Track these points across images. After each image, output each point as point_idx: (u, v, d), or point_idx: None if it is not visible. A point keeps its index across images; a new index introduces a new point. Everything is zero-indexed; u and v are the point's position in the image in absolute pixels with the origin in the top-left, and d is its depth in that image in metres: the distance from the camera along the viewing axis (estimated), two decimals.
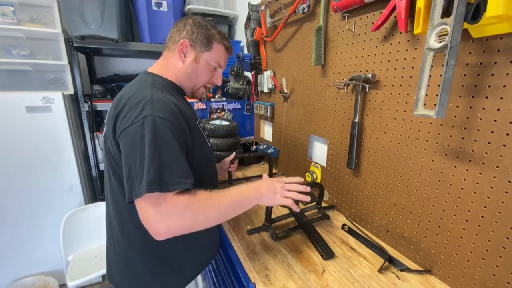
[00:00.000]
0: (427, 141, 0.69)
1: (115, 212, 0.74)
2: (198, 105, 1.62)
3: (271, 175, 1.43)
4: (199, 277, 0.88)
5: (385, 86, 0.79)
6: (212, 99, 1.70)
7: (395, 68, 0.75)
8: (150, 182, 0.56)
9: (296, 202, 0.73)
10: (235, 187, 0.69)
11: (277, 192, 0.71)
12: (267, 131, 1.65)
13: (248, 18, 1.48)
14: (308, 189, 0.75)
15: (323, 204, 1.07)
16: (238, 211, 0.67)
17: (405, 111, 0.74)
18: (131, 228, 0.71)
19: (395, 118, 0.77)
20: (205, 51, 0.77)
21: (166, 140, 0.60)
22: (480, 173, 0.58)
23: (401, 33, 0.72)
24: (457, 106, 0.61)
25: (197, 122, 0.77)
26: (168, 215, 0.57)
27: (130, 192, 0.58)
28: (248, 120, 1.79)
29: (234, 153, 1.25)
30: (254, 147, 1.72)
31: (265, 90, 1.50)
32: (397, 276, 0.70)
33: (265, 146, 1.58)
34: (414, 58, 0.70)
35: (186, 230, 0.60)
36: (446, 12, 0.51)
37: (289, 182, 0.75)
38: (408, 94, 0.73)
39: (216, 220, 0.64)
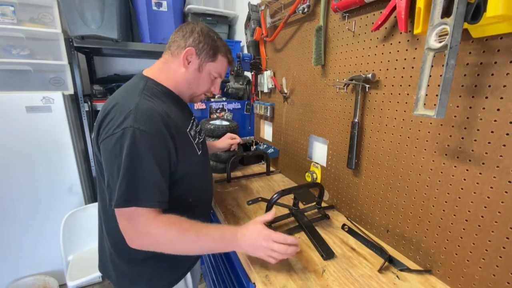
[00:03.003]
0: (427, 141, 0.69)
1: (102, 210, 0.76)
2: (198, 105, 1.62)
3: (269, 173, 1.44)
4: (188, 276, 0.87)
5: (385, 86, 0.79)
6: (212, 99, 1.70)
7: (395, 68, 0.75)
8: (119, 197, 0.57)
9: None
10: (216, 229, 0.66)
11: (260, 250, 0.65)
12: (267, 131, 1.65)
13: (248, 18, 1.48)
14: (298, 249, 0.69)
15: (323, 204, 1.07)
16: (210, 252, 0.71)
17: (405, 111, 0.74)
18: (115, 227, 0.70)
19: (395, 118, 0.77)
20: (210, 61, 0.77)
21: (143, 155, 0.59)
22: (480, 173, 0.58)
23: (401, 33, 0.72)
24: (457, 106, 0.61)
25: (188, 129, 0.76)
26: (140, 232, 0.60)
27: (110, 200, 0.60)
28: (248, 120, 1.79)
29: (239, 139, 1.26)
30: (254, 147, 1.72)
31: (265, 90, 1.50)
32: (397, 276, 0.70)
33: (265, 146, 1.58)
34: (414, 58, 0.70)
35: (157, 250, 0.62)
36: (446, 12, 0.51)
37: (278, 242, 0.65)
38: (408, 94, 0.73)
39: (186, 253, 0.64)
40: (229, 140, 1.21)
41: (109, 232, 0.75)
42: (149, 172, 0.60)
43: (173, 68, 0.76)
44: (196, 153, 0.78)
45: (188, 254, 0.65)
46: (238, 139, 1.23)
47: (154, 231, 0.60)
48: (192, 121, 0.83)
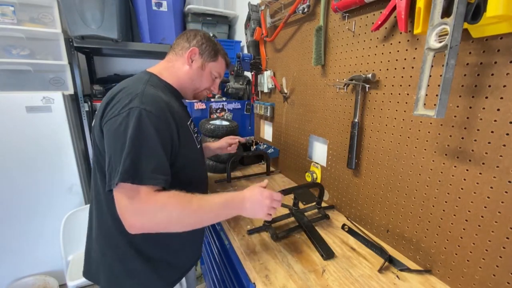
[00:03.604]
0: (427, 141, 0.69)
1: (95, 205, 0.75)
2: (198, 105, 1.62)
3: (269, 173, 1.44)
4: (184, 281, 0.86)
5: (385, 86, 0.79)
6: (212, 99, 1.70)
7: (395, 68, 0.75)
8: (124, 172, 0.56)
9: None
10: (218, 196, 0.68)
11: (262, 210, 0.70)
12: (267, 131, 1.65)
13: (248, 18, 1.48)
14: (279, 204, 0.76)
15: (323, 204, 1.07)
16: (214, 221, 0.70)
17: (405, 111, 0.74)
18: (109, 222, 0.71)
19: (395, 118, 0.77)
20: (211, 61, 0.85)
21: (148, 133, 0.60)
22: (480, 173, 0.58)
23: (401, 33, 0.72)
24: (457, 106, 0.61)
25: (189, 123, 0.79)
26: (142, 211, 0.57)
27: (109, 181, 0.58)
28: (248, 120, 1.79)
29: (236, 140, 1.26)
30: (254, 147, 1.72)
31: (265, 90, 1.50)
32: (397, 276, 0.70)
33: (265, 146, 1.58)
34: (414, 58, 0.70)
35: (159, 229, 0.60)
36: (446, 12, 0.51)
37: (277, 200, 0.73)
38: (408, 94, 0.73)
39: (191, 226, 0.63)
40: (227, 139, 1.21)
41: (101, 227, 0.73)
42: (153, 151, 0.61)
43: (177, 66, 0.81)
44: (196, 146, 0.81)
45: (194, 226, 0.64)
46: (238, 139, 1.23)
47: (155, 206, 0.58)
48: (191, 119, 0.86)
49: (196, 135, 0.83)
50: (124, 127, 0.59)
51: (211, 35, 1.94)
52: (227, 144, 1.20)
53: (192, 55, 0.81)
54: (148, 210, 0.58)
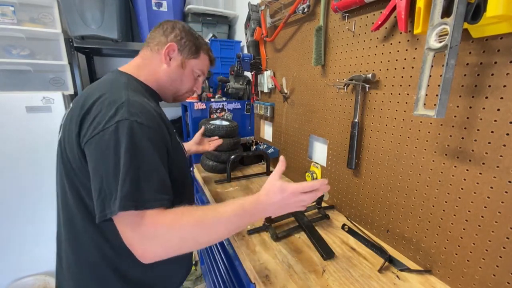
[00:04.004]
0: (427, 141, 0.69)
1: (67, 234, 0.64)
2: (198, 105, 1.62)
3: (269, 173, 1.44)
4: None
5: (385, 86, 0.79)
6: (212, 99, 1.70)
7: (395, 68, 0.75)
8: (124, 197, 0.48)
9: None
10: (232, 203, 0.57)
11: (290, 208, 0.58)
12: (267, 131, 1.65)
13: (248, 18, 1.48)
14: (326, 182, 0.60)
15: (323, 204, 1.07)
16: (233, 233, 0.59)
17: (405, 111, 0.74)
18: (94, 256, 0.62)
19: (395, 118, 0.77)
20: (192, 58, 0.76)
21: (144, 148, 0.52)
22: (480, 173, 0.58)
23: (401, 33, 0.72)
24: (457, 106, 0.61)
25: (174, 130, 0.71)
26: (152, 237, 0.50)
27: (102, 210, 0.49)
28: (248, 120, 1.79)
29: (203, 127, 1.26)
30: (254, 147, 1.72)
31: (265, 90, 1.50)
32: (397, 276, 0.70)
33: (265, 146, 1.58)
34: (414, 58, 0.70)
35: (175, 253, 0.52)
36: (446, 12, 0.51)
37: (307, 192, 0.57)
38: (408, 94, 0.73)
39: (208, 243, 0.56)
40: (203, 138, 1.22)
41: (83, 263, 0.63)
42: (154, 167, 0.53)
43: (154, 65, 0.73)
44: (184, 155, 0.74)
45: (211, 242, 0.56)
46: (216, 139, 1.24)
47: (166, 229, 0.50)
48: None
49: (181, 143, 0.77)
50: (114, 144, 0.51)
51: (211, 35, 1.94)
52: (201, 136, 1.20)
53: (170, 52, 0.72)
54: (159, 234, 0.50)
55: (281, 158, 0.63)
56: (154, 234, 0.50)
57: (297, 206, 0.58)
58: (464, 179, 0.61)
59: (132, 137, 0.51)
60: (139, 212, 0.49)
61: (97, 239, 0.59)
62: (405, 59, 0.72)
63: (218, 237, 0.56)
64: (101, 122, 0.52)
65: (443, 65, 0.51)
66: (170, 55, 0.73)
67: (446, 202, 0.66)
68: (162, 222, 0.50)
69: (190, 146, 1.18)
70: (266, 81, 1.47)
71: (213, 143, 1.22)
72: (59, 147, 0.63)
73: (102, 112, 0.54)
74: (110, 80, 0.65)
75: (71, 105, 0.65)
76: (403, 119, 0.75)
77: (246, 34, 1.59)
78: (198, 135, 1.22)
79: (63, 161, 0.61)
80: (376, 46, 0.80)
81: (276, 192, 0.56)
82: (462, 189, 0.62)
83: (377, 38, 0.80)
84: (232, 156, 1.30)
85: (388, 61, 0.77)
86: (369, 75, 0.81)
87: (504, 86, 0.53)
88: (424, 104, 0.57)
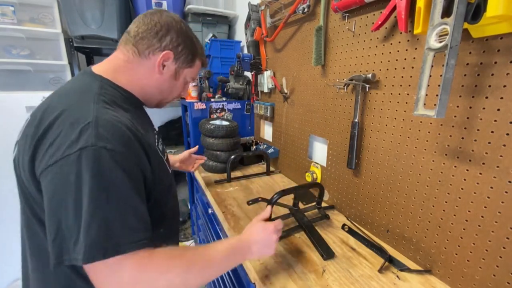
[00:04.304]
0: (427, 141, 0.69)
1: (36, 263, 0.55)
2: (198, 105, 1.62)
3: (269, 173, 1.44)
4: None
5: (385, 86, 0.79)
6: (212, 99, 1.70)
7: (395, 68, 0.75)
8: (91, 244, 0.41)
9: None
10: (220, 244, 0.57)
11: (272, 247, 0.63)
12: (267, 131, 1.65)
13: (248, 18, 1.48)
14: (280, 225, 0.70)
15: (323, 204, 1.07)
16: (221, 273, 0.57)
17: (405, 111, 0.74)
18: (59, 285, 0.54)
19: (395, 118, 0.77)
20: (187, 67, 0.67)
21: (114, 180, 0.44)
22: (480, 173, 0.58)
23: (401, 33, 0.72)
24: (457, 106, 0.61)
25: (156, 143, 0.62)
26: (135, 284, 0.43)
27: (59, 255, 0.42)
28: (248, 120, 1.79)
29: (197, 146, 1.20)
30: (254, 147, 1.72)
31: (265, 90, 1.50)
32: (397, 276, 0.70)
33: (265, 146, 1.58)
34: (414, 58, 0.70)
35: None
36: (446, 12, 0.51)
37: (279, 226, 0.67)
38: (408, 94, 0.73)
39: (196, 286, 0.50)
40: (191, 151, 1.15)
41: None
42: (127, 201, 0.45)
43: (141, 71, 0.62)
44: (167, 172, 0.66)
45: (199, 285, 0.51)
46: (204, 158, 1.22)
47: (151, 276, 0.44)
48: (156, 132, 0.68)
49: (165, 156, 0.67)
50: (76, 178, 0.42)
51: (211, 35, 1.94)
52: (189, 155, 1.13)
53: (165, 61, 0.62)
54: (142, 283, 0.44)
55: (268, 208, 0.70)
56: (140, 280, 0.44)
57: (276, 241, 0.64)
58: (464, 179, 0.61)
59: (99, 169, 0.43)
60: (112, 259, 0.42)
61: (68, 271, 0.51)
62: (405, 59, 0.72)
63: (207, 278, 0.53)
64: (60, 147, 0.43)
65: (443, 65, 0.51)
66: (164, 64, 0.63)
67: (446, 202, 0.66)
68: (149, 267, 0.44)
69: (174, 161, 1.09)
70: (266, 81, 1.47)
71: (196, 164, 1.18)
72: (14, 168, 0.54)
73: (62, 135, 0.44)
74: (79, 88, 0.55)
75: (28, 117, 0.53)
76: (403, 119, 0.75)
77: (246, 34, 1.59)
78: (187, 153, 1.14)
79: (19, 184, 0.53)
80: (376, 46, 0.80)
81: (260, 231, 0.62)
82: (462, 189, 0.62)
83: (377, 38, 0.80)
84: (232, 156, 1.31)
85: (388, 61, 0.77)
86: (369, 75, 0.81)
87: (504, 86, 0.53)
88: (424, 104, 0.57)
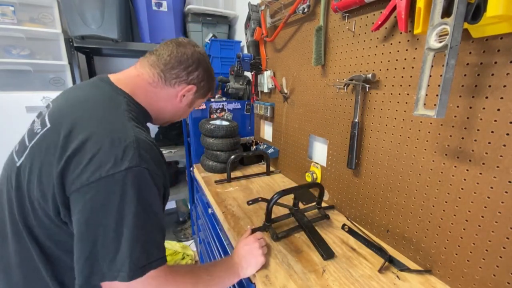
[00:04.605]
0: (427, 141, 0.69)
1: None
2: None
3: (269, 173, 1.44)
4: None
5: (385, 86, 0.79)
6: (212, 99, 1.70)
7: (395, 68, 0.75)
8: (135, 262, 0.43)
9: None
10: (217, 263, 0.67)
11: (258, 254, 0.70)
12: (267, 131, 1.65)
13: (248, 18, 1.48)
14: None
15: (323, 204, 1.07)
16: None
17: (405, 111, 0.74)
18: None
19: (395, 118, 0.77)
20: (201, 98, 0.74)
21: (153, 202, 0.47)
22: (480, 173, 0.58)
23: (401, 33, 0.72)
24: (457, 106, 0.61)
25: None
26: None
27: (90, 274, 0.43)
28: (248, 120, 1.79)
29: None
30: (254, 147, 1.72)
31: (265, 90, 1.50)
32: (397, 276, 0.70)
33: (265, 146, 1.58)
34: (414, 58, 0.70)
35: None
36: (446, 12, 0.51)
37: (261, 238, 0.76)
38: (408, 94, 0.73)
39: None
40: None
41: None
42: (158, 223, 0.48)
43: (162, 96, 0.65)
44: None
45: None
46: None
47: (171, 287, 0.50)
48: None
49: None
50: (120, 198, 0.43)
51: (211, 35, 1.94)
52: None
53: (187, 92, 0.66)
54: None
55: (248, 231, 0.82)
56: None
57: (259, 248, 0.71)
58: (464, 179, 0.61)
59: (142, 191, 0.45)
60: (146, 276, 0.45)
61: None
62: (405, 59, 0.72)
63: None
64: (102, 165, 0.43)
65: (443, 65, 0.51)
66: (186, 95, 0.68)
67: (446, 202, 0.66)
68: (171, 281, 0.48)
69: None
70: (266, 81, 1.47)
71: None
72: (16, 176, 0.51)
73: (102, 152, 0.44)
74: (103, 99, 0.54)
75: (44, 121, 0.52)
76: (403, 119, 0.75)
77: (246, 34, 1.59)
78: None
79: (18, 196, 0.50)
80: (376, 46, 0.80)
81: (240, 247, 0.72)
82: (462, 189, 0.62)
83: (377, 38, 0.80)
84: (232, 156, 1.31)
85: (388, 61, 0.77)
86: (369, 75, 0.81)
87: (504, 86, 0.53)
88: (424, 104, 0.57)
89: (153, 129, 2.49)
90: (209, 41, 1.87)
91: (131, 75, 0.63)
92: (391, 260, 0.75)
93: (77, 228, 0.44)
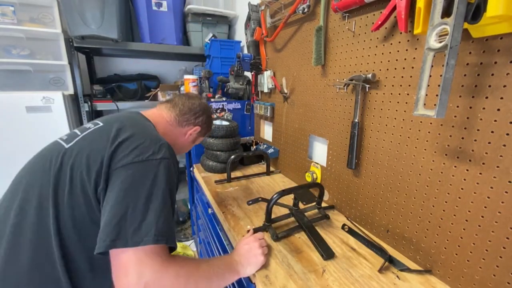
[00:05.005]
0: (427, 141, 0.69)
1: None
2: None
3: (269, 173, 1.44)
4: None
5: (385, 86, 0.79)
6: (212, 99, 1.70)
7: (395, 68, 0.75)
8: (160, 232, 0.51)
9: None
10: (216, 258, 0.70)
11: (258, 253, 0.71)
12: (267, 131, 1.65)
13: (248, 18, 1.48)
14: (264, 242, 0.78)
15: (323, 204, 1.07)
16: (222, 285, 0.65)
17: (405, 111, 0.74)
18: None
19: (395, 118, 0.77)
20: (201, 136, 0.95)
21: (172, 189, 0.61)
22: (480, 173, 0.58)
23: (401, 33, 0.72)
24: (457, 106, 0.61)
25: None
26: (160, 271, 0.51)
27: (115, 238, 0.49)
28: (248, 120, 1.79)
29: None
30: (254, 147, 1.72)
31: (265, 90, 1.50)
32: (397, 276, 0.70)
33: (265, 146, 1.58)
34: (414, 58, 0.70)
35: None
36: (446, 12, 0.51)
37: (262, 238, 0.78)
38: (408, 94, 0.73)
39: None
40: None
41: None
42: (172, 208, 0.59)
43: (175, 131, 0.84)
44: None
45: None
46: None
47: (174, 267, 0.53)
48: None
49: None
50: (153, 177, 0.55)
51: (211, 35, 1.94)
52: None
53: (193, 132, 0.87)
54: (168, 271, 0.52)
55: (250, 232, 0.83)
56: (167, 269, 0.52)
57: (259, 247, 0.72)
58: (464, 179, 0.61)
59: (169, 177, 0.58)
60: (164, 247, 0.53)
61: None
62: (405, 59, 0.72)
63: (211, 284, 0.61)
64: (144, 152, 0.58)
65: (443, 65, 0.51)
66: (192, 133, 0.88)
67: (446, 202, 0.66)
68: (172, 261, 0.54)
69: None
70: (266, 81, 1.47)
71: None
72: (62, 156, 0.60)
73: (144, 145, 0.59)
74: (139, 122, 0.72)
75: (96, 122, 0.68)
76: (403, 119, 0.75)
77: (246, 34, 1.59)
78: None
79: (58, 174, 0.58)
80: (376, 46, 0.80)
81: (240, 246, 0.74)
82: (462, 189, 0.62)
83: (377, 38, 0.80)
84: (232, 156, 1.31)
85: (388, 61, 0.77)
86: (369, 75, 0.81)
87: (504, 86, 0.53)
88: (424, 104, 0.57)
89: None
90: (209, 41, 1.87)
91: (155, 113, 0.83)
92: (391, 260, 0.75)
93: (115, 195, 0.53)
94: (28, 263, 0.55)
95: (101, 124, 0.67)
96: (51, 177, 0.59)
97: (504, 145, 0.54)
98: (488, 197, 0.57)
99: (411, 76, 0.71)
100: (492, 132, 0.56)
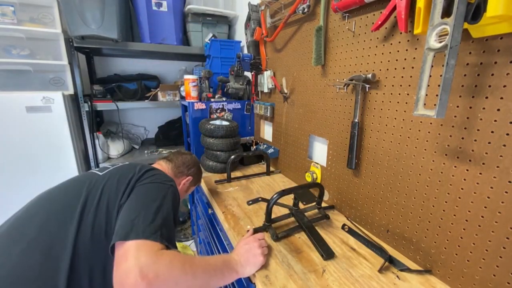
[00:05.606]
0: (427, 141, 0.69)
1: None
2: (198, 105, 1.62)
3: (269, 173, 1.44)
4: None
5: (385, 86, 0.79)
6: (212, 99, 1.70)
7: (395, 68, 0.75)
8: (154, 230, 0.61)
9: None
10: (215, 256, 0.71)
11: (258, 253, 0.72)
12: (267, 131, 1.65)
13: (248, 18, 1.48)
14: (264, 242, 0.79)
15: (323, 204, 1.07)
16: (219, 283, 0.67)
17: (405, 111, 0.74)
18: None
19: (395, 118, 0.77)
20: (193, 185, 1.11)
21: (174, 208, 0.73)
22: (480, 173, 0.58)
23: (401, 33, 0.72)
24: (457, 106, 0.61)
25: None
26: (154, 263, 0.55)
27: (129, 231, 0.59)
28: (248, 120, 1.79)
29: None
30: (254, 147, 1.72)
31: (265, 90, 1.50)
32: (397, 276, 0.70)
33: (265, 146, 1.58)
34: (414, 58, 0.70)
35: (169, 281, 0.57)
36: (446, 12, 0.51)
37: (262, 238, 0.80)
38: (408, 94, 0.73)
39: (200, 283, 0.61)
40: None
41: None
42: (171, 222, 0.70)
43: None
44: None
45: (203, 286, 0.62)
46: None
47: (168, 254, 0.58)
48: None
49: None
50: (164, 194, 0.73)
51: (211, 35, 1.94)
52: None
53: (186, 181, 1.04)
54: (161, 263, 0.57)
55: (250, 231, 0.85)
56: (162, 261, 0.57)
57: (259, 247, 0.74)
58: (464, 179, 0.61)
59: (174, 200, 0.75)
60: (155, 243, 0.59)
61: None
62: (405, 59, 0.72)
63: (207, 280, 0.64)
64: (159, 179, 0.79)
65: (443, 65, 0.51)
66: (184, 183, 1.04)
67: (446, 202, 0.66)
68: (165, 254, 0.59)
69: None
70: (266, 81, 1.47)
71: None
72: (96, 181, 0.77)
73: (159, 175, 0.81)
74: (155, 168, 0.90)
75: (123, 161, 0.92)
76: (403, 119, 0.75)
77: (246, 34, 1.59)
78: None
79: (91, 193, 0.73)
80: (376, 46, 0.80)
81: (240, 246, 0.76)
82: (462, 189, 0.62)
83: (377, 38, 0.80)
84: (232, 156, 1.31)
85: (388, 61, 0.77)
86: (369, 75, 0.81)
87: (504, 86, 0.53)
88: (424, 104, 0.57)
89: (153, 129, 2.49)
90: (209, 41, 1.87)
91: (160, 165, 1.02)
92: (391, 260, 0.75)
93: (133, 203, 0.69)
94: (37, 269, 0.60)
95: (127, 162, 0.88)
96: (83, 194, 0.72)
97: (504, 145, 0.54)
98: (488, 197, 0.57)
99: (411, 76, 0.71)
100: (492, 132, 0.56)
